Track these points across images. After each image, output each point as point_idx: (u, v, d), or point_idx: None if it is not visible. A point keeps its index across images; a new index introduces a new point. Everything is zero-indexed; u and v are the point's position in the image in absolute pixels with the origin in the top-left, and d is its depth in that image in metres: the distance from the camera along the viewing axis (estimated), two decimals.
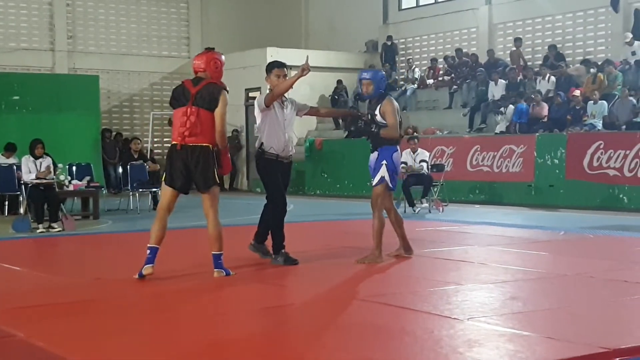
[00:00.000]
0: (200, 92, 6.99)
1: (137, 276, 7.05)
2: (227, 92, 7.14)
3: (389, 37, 23.88)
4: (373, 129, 8.01)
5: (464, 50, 22.01)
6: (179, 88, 7.18)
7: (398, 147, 8.21)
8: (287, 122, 8.02)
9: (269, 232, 8.13)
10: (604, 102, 16.60)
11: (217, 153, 7.09)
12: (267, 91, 8.09)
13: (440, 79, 22.12)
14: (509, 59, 20.84)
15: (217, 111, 6.97)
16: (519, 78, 19.35)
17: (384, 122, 8.01)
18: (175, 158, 7.05)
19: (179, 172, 7.04)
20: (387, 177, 8.06)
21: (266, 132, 7.91)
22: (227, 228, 10.16)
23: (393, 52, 23.88)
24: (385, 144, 8.06)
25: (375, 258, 8.11)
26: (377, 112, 8.05)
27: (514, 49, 20.52)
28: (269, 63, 8.22)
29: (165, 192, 7.20)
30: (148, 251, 7.05)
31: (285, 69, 8.10)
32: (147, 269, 7.02)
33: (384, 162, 8.03)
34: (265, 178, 8.03)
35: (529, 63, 20.39)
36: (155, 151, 23.45)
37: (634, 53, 17.80)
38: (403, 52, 24.40)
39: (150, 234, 7.11)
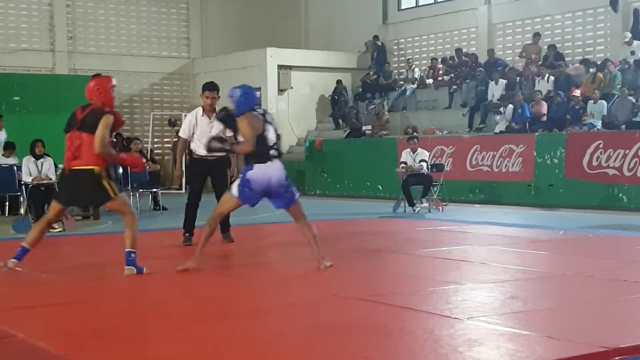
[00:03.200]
0: (84, 118, 7.33)
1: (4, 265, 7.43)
2: (113, 115, 7.40)
3: (375, 37, 23.90)
4: (225, 146, 7.68)
5: (464, 50, 22.01)
6: (72, 114, 7.52)
7: (257, 166, 7.28)
8: (213, 132, 9.04)
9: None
10: (604, 101, 16.61)
11: (114, 166, 7.63)
12: (199, 108, 9.45)
13: (439, 78, 22.11)
14: (509, 58, 20.83)
15: (96, 133, 7.28)
16: (518, 78, 19.34)
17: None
18: (64, 180, 7.69)
19: (64, 191, 7.61)
20: (234, 189, 7.44)
21: (195, 138, 9.31)
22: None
23: (384, 52, 23.89)
24: (247, 163, 7.41)
25: (195, 264, 7.53)
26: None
27: (529, 42, 20.16)
28: (204, 84, 9.43)
29: (54, 206, 7.61)
30: (21, 248, 7.54)
31: (216, 92, 9.34)
32: (12, 262, 7.52)
33: (241, 175, 7.47)
34: (189, 176, 9.70)
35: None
36: (155, 151, 23.43)
37: (633, 53, 17.80)
38: (403, 52, 24.42)
39: (30, 235, 7.63)
